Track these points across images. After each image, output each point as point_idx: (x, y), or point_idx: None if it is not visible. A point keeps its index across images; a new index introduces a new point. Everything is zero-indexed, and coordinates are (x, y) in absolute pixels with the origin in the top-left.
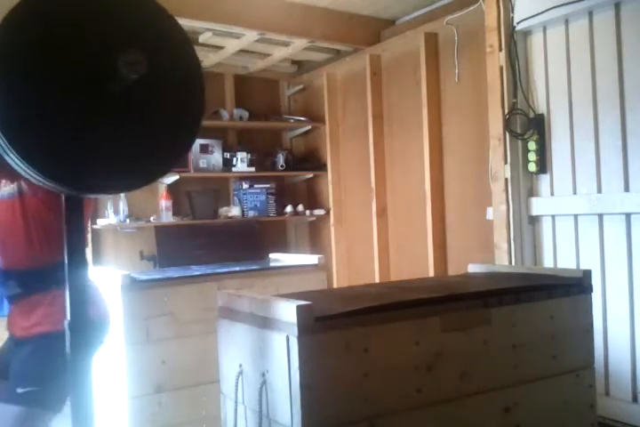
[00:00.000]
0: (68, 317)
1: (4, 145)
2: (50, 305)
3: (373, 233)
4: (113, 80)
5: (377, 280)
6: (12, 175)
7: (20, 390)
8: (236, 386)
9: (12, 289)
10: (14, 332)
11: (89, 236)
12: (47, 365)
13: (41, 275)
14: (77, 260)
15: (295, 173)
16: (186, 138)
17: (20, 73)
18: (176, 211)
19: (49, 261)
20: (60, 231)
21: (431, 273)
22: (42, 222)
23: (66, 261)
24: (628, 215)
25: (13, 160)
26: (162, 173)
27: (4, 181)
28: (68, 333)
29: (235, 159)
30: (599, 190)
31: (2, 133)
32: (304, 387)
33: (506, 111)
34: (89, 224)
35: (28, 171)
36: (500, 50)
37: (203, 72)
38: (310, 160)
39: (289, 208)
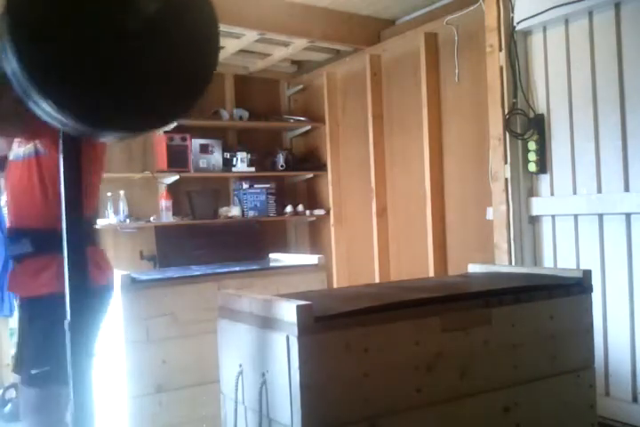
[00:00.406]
0: (67, 282)
1: (25, 82)
2: (60, 266)
3: (373, 233)
4: (131, 15)
5: (377, 280)
6: (29, 134)
7: (34, 371)
8: (236, 386)
9: (23, 247)
10: (19, 292)
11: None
12: (56, 335)
13: (54, 235)
14: (74, 212)
15: (295, 173)
16: (201, 81)
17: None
18: (176, 211)
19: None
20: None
21: (431, 273)
22: (57, 182)
23: (63, 214)
24: (627, 215)
25: (31, 97)
26: (178, 114)
27: (19, 141)
28: (68, 333)
29: (235, 159)
30: (599, 190)
31: (24, 68)
32: (304, 387)
33: (506, 111)
34: (102, 176)
35: (43, 106)
36: (500, 50)
37: (216, 14)
38: (310, 160)
39: (289, 208)
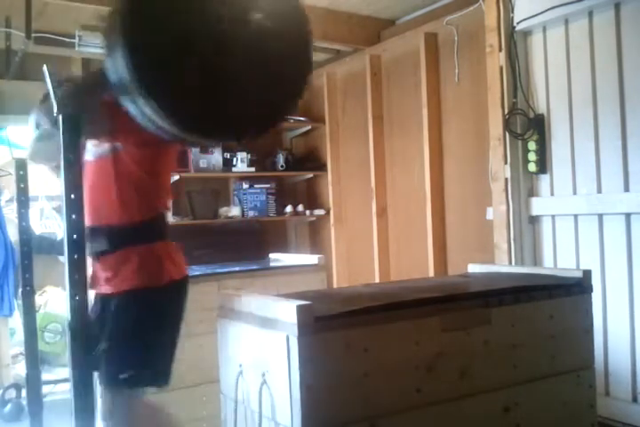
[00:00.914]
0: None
1: (135, 89)
2: (138, 261)
3: (373, 233)
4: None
5: (377, 280)
6: (111, 136)
7: (122, 376)
8: (236, 386)
9: (101, 245)
10: (100, 289)
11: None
12: (144, 332)
13: (130, 231)
14: (74, 213)
15: (295, 173)
16: (293, 96)
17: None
18: (176, 211)
19: (139, 219)
20: (151, 190)
21: (431, 273)
22: (133, 181)
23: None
24: (627, 215)
25: (140, 107)
26: (271, 126)
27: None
28: (68, 332)
29: (235, 159)
30: (599, 190)
31: (136, 77)
32: (304, 387)
33: (506, 111)
34: (169, 183)
35: (148, 113)
36: (500, 50)
37: (310, 29)
38: (310, 160)
39: (289, 208)
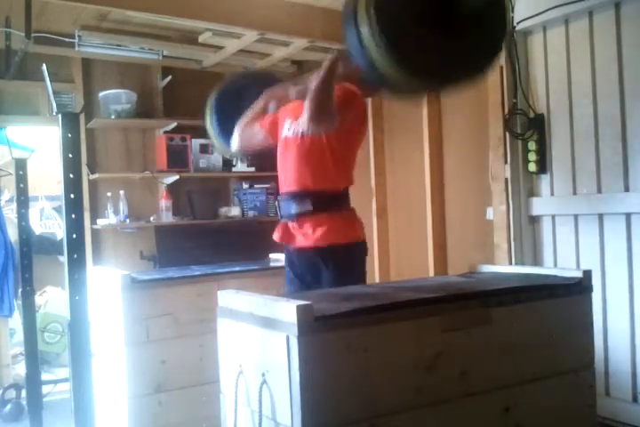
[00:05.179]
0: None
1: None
2: (334, 223)
3: (373, 233)
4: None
5: (377, 280)
6: (334, 124)
7: None
8: (236, 386)
9: (305, 206)
10: (295, 244)
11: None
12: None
13: (330, 198)
14: (74, 212)
15: None
16: (496, 47)
17: None
18: (176, 211)
19: (338, 187)
20: (347, 164)
21: (431, 273)
22: (334, 155)
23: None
24: (628, 215)
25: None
26: (486, 71)
27: (291, 121)
28: (68, 332)
29: (235, 159)
30: (599, 190)
31: (383, 34)
32: (304, 387)
33: (506, 111)
34: (357, 149)
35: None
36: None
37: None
38: None
39: None
